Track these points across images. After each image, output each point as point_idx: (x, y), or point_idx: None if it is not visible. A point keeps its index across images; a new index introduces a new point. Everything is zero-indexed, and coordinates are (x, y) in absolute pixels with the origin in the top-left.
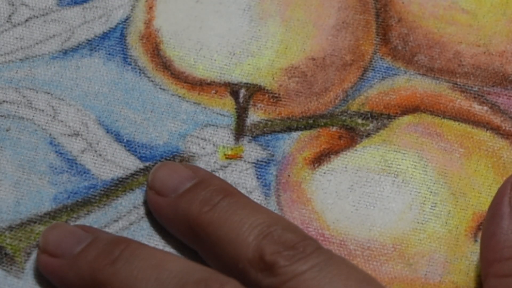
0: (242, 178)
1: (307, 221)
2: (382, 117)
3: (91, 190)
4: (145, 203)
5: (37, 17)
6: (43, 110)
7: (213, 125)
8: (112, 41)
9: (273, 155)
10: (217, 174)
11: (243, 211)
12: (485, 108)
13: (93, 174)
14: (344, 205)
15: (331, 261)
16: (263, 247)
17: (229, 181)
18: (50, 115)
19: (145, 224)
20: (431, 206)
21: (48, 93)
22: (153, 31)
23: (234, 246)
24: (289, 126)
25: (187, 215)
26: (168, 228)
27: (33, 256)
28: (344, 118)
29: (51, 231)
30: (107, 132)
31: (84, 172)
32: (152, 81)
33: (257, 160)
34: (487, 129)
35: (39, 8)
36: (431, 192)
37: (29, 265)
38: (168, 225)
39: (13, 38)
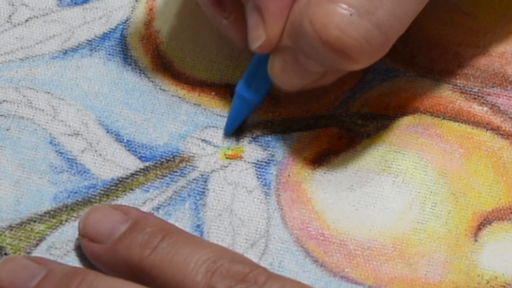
0: (242, 177)
1: (307, 221)
2: (382, 118)
3: (91, 189)
4: (145, 203)
5: (37, 17)
6: (43, 110)
7: (213, 127)
8: (112, 41)
9: (273, 155)
10: (217, 174)
11: (185, 250)
12: (485, 108)
13: (93, 174)
14: (344, 205)
15: (286, 287)
16: (214, 284)
17: (229, 181)
18: (50, 115)
19: None
20: (431, 206)
21: (48, 93)
22: (153, 32)
23: None
24: (289, 126)
25: (127, 261)
26: (110, 275)
27: (33, 255)
28: (344, 119)
29: (3, 266)
30: (107, 132)
31: (84, 172)
32: (152, 81)
33: (257, 160)
34: (487, 130)
35: (39, 8)
36: (431, 192)
37: None
38: (109, 272)
39: (13, 38)
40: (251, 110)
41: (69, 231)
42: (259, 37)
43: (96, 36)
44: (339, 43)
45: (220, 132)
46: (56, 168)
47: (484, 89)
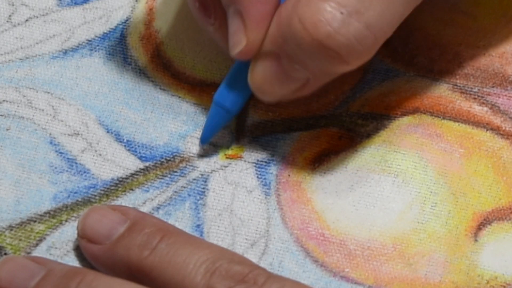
0: (242, 177)
1: (307, 221)
2: (382, 118)
3: (91, 189)
4: (145, 203)
5: (37, 17)
6: (43, 110)
7: None
8: (112, 41)
9: (273, 155)
10: (217, 174)
11: (184, 250)
12: (485, 108)
13: (93, 174)
14: (344, 205)
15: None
16: (213, 285)
17: (229, 181)
18: (50, 115)
19: None
20: (431, 206)
21: (48, 92)
22: (153, 32)
23: None
24: (289, 126)
25: (126, 262)
26: (109, 275)
27: (33, 255)
28: (344, 118)
29: (3, 266)
30: (107, 132)
31: (84, 172)
32: (152, 81)
33: (257, 160)
34: (487, 130)
35: (39, 8)
36: (431, 192)
37: None
38: (108, 273)
39: (13, 38)
40: (229, 120)
41: (69, 231)
42: (239, 42)
43: (96, 36)
44: (330, 41)
45: (221, 132)
46: (56, 168)
47: (484, 89)
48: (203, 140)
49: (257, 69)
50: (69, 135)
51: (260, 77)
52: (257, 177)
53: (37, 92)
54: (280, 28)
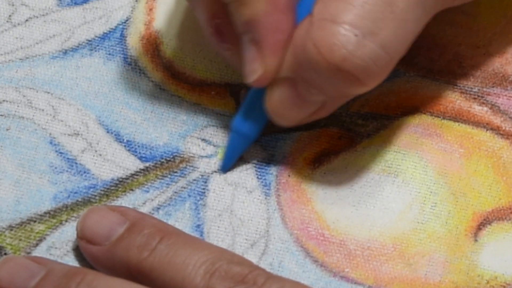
0: (242, 178)
1: (307, 221)
2: (382, 118)
3: (91, 190)
4: (145, 204)
5: (37, 17)
6: (43, 110)
7: (213, 126)
8: (112, 41)
9: (273, 155)
10: (217, 175)
11: (184, 251)
12: (485, 108)
13: (93, 174)
14: (344, 205)
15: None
16: (212, 286)
17: (229, 181)
18: (50, 115)
19: None
20: (431, 206)
21: (48, 92)
22: (153, 32)
23: None
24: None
25: (126, 263)
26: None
27: (33, 255)
28: (344, 118)
29: (3, 266)
30: (107, 132)
31: (84, 172)
32: (152, 81)
33: (257, 160)
34: (487, 130)
35: (39, 8)
36: (431, 192)
37: None
38: (107, 273)
39: (13, 38)
40: (248, 145)
41: (69, 231)
42: (255, 70)
43: (96, 36)
44: (346, 64)
45: (220, 131)
46: (56, 168)
47: (484, 89)
48: (223, 168)
49: (273, 94)
50: (69, 135)
51: (277, 102)
52: (257, 177)
53: (37, 92)
54: (295, 54)
